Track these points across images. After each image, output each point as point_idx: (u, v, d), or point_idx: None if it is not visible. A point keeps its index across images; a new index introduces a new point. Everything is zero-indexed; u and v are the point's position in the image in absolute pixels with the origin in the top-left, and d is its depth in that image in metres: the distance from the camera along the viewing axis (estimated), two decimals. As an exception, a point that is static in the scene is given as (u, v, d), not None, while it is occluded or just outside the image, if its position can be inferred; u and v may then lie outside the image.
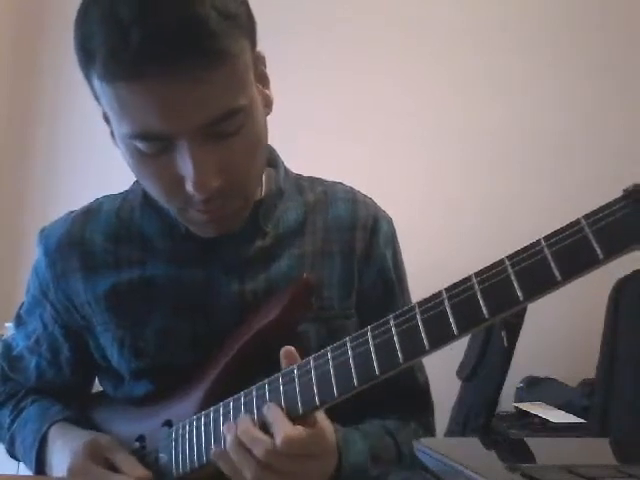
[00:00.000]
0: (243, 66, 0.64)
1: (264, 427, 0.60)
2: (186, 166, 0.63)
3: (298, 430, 0.58)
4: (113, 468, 0.71)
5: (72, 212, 0.84)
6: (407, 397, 0.83)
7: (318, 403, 0.58)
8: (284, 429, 0.57)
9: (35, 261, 0.84)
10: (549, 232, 0.47)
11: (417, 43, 2.10)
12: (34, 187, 2.57)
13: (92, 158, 2.43)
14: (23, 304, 0.88)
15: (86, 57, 0.61)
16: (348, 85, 2.14)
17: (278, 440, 0.57)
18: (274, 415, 0.59)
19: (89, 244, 0.79)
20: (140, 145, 0.63)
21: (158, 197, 0.70)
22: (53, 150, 2.58)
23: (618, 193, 0.44)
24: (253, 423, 0.60)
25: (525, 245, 0.48)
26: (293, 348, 0.63)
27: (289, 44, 2.12)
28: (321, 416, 0.62)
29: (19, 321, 0.89)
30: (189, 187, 0.63)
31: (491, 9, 2.03)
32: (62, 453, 0.74)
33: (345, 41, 2.16)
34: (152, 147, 0.63)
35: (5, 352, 0.90)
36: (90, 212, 0.83)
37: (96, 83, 0.62)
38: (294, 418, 0.59)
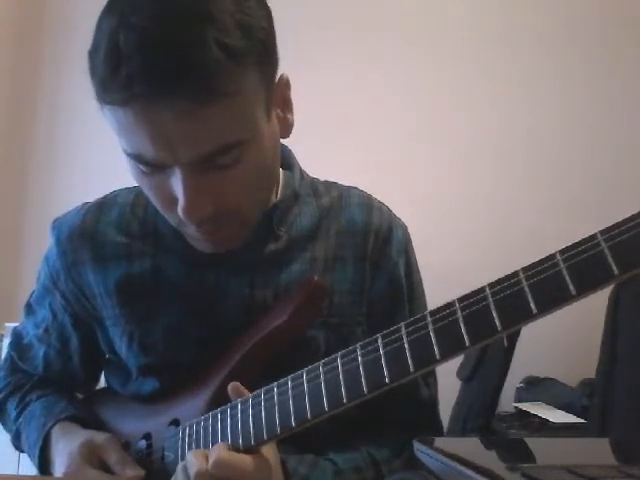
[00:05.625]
0: (245, 101, 0.62)
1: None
2: (177, 190, 0.63)
3: (230, 454, 0.60)
4: (107, 468, 0.72)
5: (86, 203, 0.84)
6: (407, 413, 0.81)
7: (327, 408, 0.57)
8: (218, 452, 0.60)
9: (47, 250, 0.84)
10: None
11: (417, 43, 2.11)
12: (34, 187, 2.57)
13: (92, 158, 2.43)
14: (33, 293, 0.88)
15: (91, 67, 0.62)
16: (347, 85, 2.14)
17: (210, 461, 0.59)
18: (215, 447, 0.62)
19: (101, 236, 0.79)
20: (137, 163, 0.64)
21: (157, 209, 0.71)
22: (53, 150, 2.58)
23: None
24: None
25: (540, 259, 0.48)
26: (239, 384, 0.66)
27: (288, 43, 2.12)
28: (264, 456, 0.62)
29: (29, 310, 0.89)
30: (179, 211, 0.64)
31: (491, 9, 2.03)
32: (62, 457, 0.74)
33: (345, 41, 2.16)
34: (148, 167, 0.64)
35: (15, 341, 0.90)
36: (104, 204, 0.82)
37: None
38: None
